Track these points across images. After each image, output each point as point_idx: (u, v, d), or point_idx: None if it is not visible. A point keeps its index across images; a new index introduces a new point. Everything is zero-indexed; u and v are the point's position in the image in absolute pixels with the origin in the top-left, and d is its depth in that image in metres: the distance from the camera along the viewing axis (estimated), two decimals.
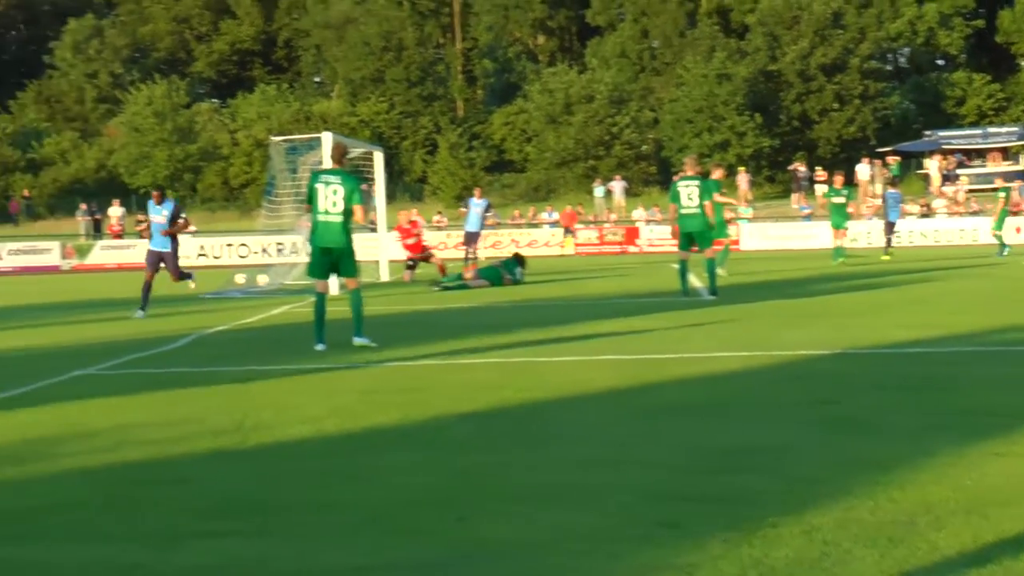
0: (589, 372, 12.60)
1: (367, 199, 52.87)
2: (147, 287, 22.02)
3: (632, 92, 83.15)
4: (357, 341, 15.20)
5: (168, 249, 22.76)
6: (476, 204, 38.28)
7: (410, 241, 33.88)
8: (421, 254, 33.86)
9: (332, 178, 15.23)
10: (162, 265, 22.83)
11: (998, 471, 7.47)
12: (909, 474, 7.43)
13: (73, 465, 8.45)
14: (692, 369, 12.67)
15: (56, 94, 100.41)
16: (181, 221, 23.53)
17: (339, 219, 15.04)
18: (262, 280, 31.91)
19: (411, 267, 33.48)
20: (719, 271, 25.12)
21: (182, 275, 24.15)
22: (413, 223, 34.60)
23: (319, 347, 15.02)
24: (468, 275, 29.56)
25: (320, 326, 15.25)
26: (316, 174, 15.46)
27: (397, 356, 14.34)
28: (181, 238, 25.65)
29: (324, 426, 9.68)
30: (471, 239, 38.12)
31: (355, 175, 15.44)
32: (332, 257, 15.21)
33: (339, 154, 15.66)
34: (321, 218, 15.14)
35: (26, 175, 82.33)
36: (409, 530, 6.47)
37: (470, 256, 37.46)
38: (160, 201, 22.74)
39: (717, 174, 29.85)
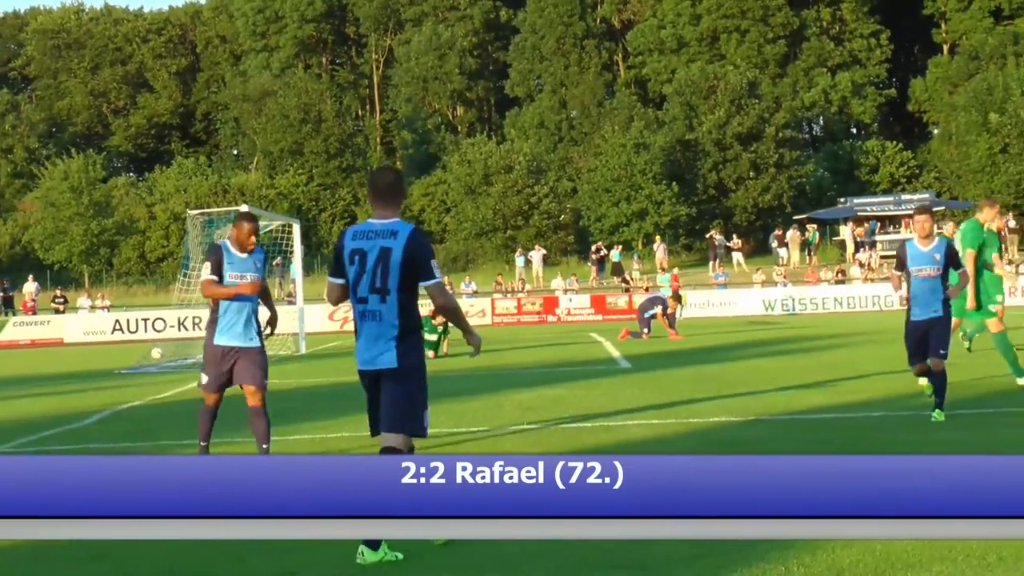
0: (506, 443, 12.53)
1: (283, 271, 52.76)
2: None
3: (550, 162, 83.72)
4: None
5: (258, 344, 11.69)
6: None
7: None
8: None
9: None
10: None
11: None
12: (819, 539, 7.44)
13: None
14: (606, 437, 12.63)
15: None
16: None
17: None
18: (156, 354, 31.69)
19: None
20: None
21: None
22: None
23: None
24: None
25: None
26: None
27: (306, 432, 14.20)
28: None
29: None
30: None
31: None
32: None
33: None
34: None
35: None
36: None
37: None
38: (251, 246, 11.52)
39: None
